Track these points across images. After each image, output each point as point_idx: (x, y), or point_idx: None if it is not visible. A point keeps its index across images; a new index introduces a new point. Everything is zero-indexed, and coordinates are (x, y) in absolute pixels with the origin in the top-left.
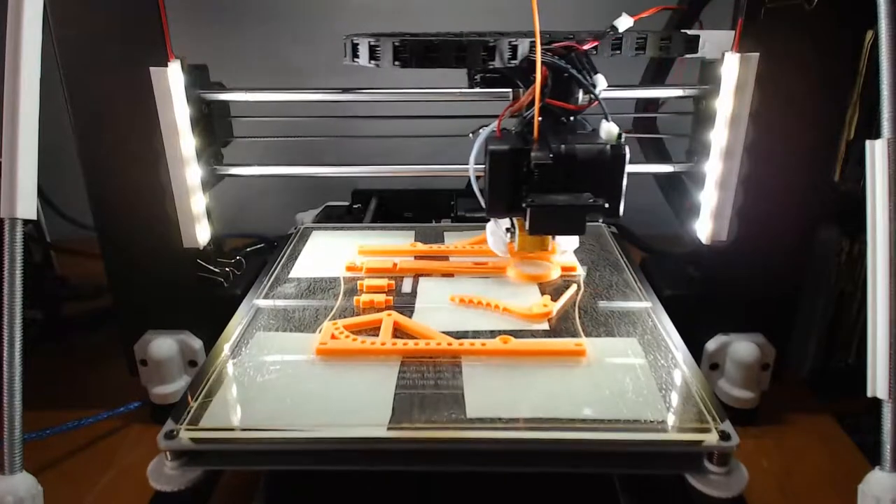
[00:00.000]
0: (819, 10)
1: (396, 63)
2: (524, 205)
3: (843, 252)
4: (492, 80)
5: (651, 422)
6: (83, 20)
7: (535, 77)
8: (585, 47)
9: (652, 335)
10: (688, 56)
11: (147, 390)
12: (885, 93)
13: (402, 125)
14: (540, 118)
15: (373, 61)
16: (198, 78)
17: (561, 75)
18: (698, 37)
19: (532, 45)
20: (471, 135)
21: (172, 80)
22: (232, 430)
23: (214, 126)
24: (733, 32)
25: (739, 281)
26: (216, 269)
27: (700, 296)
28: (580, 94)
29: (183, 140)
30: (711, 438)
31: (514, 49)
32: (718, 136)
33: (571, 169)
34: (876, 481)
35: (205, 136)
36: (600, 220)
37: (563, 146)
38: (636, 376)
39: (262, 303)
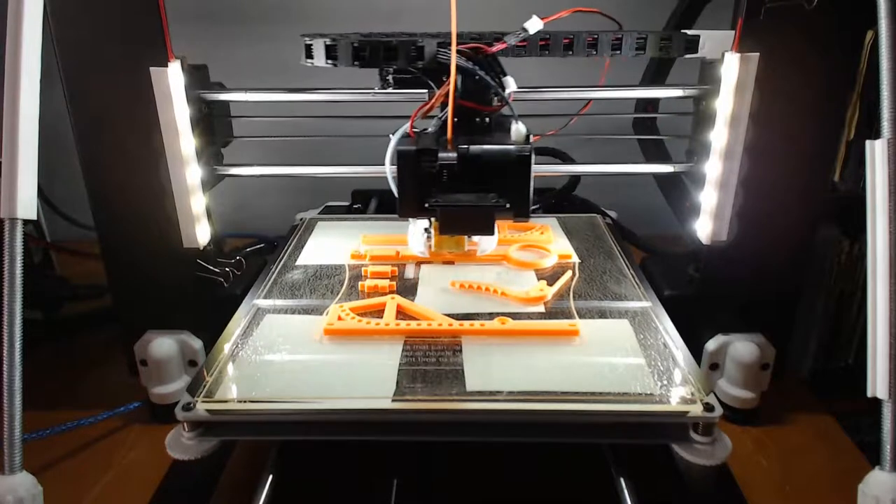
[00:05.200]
0: (819, 10)
1: (308, 61)
2: (427, 205)
3: (843, 252)
4: (404, 81)
5: (639, 394)
6: (83, 20)
7: (445, 78)
8: (493, 49)
9: (642, 317)
10: (688, 56)
11: (147, 390)
12: (885, 93)
13: (403, 125)
14: (456, 119)
15: (308, 60)
16: (198, 78)
17: (472, 77)
18: (698, 37)
19: (439, 46)
20: (390, 135)
21: (172, 80)
22: (245, 401)
23: (214, 126)
24: (733, 32)
25: (739, 281)
26: (216, 269)
27: (700, 296)
28: (494, 96)
29: (183, 140)
30: (696, 410)
31: (420, 50)
32: (718, 137)
33: (478, 170)
34: (876, 481)
35: (205, 136)
36: (511, 219)
37: (469, 147)
38: (626, 353)
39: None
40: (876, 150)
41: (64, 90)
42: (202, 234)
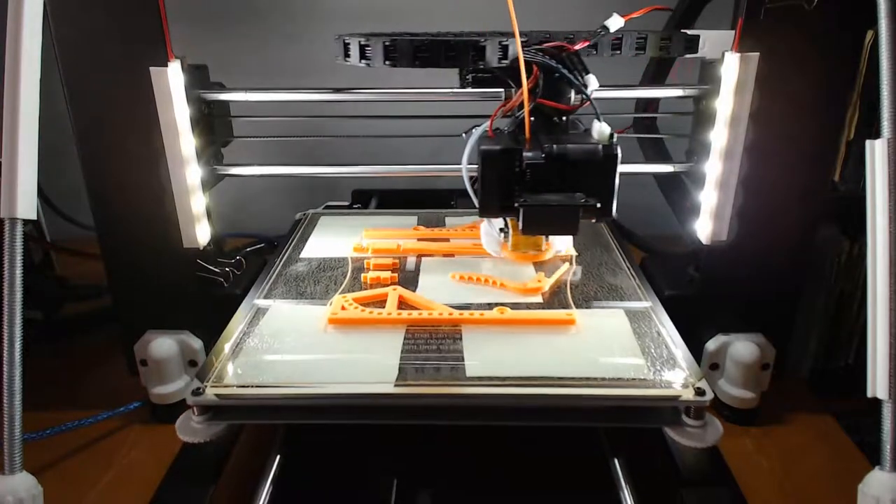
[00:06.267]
0: (819, 10)
1: (387, 63)
2: (517, 205)
3: (843, 252)
4: (483, 80)
5: (633, 379)
6: (83, 20)
7: (529, 77)
8: (576, 47)
9: (642, 315)
10: (688, 56)
11: (147, 390)
12: (885, 93)
13: (403, 125)
14: (532, 118)
15: (363, 61)
16: (198, 78)
17: (552, 75)
18: (698, 37)
19: (523, 45)
20: (463, 134)
21: (172, 80)
22: (253, 387)
23: (214, 126)
24: (733, 32)
25: (739, 281)
26: (216, 269)
27: (700, 296)
28: (572, 94)
29: (183, 140)
30: (687, 394)
31: (504, 49)
32: (718, 136)
33: (563, 169)
34: (876, 481)
35: (205, 136)
36: (593, 220)
37: (554, 146)
38: (621, 340)
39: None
40: (876, 150)
41: (64, 90)
42: (202, 234)
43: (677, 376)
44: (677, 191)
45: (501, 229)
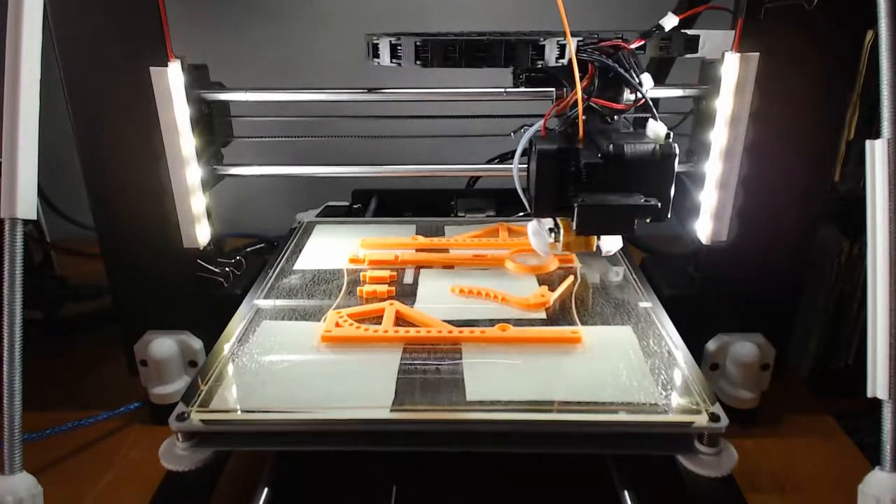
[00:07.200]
0: (819, 10)
1: (447, 63)
2: (575, 204)
3: (843, 252)
4: (536, 80)
5: (643, 404)
6: (83, 20)
7: (583, 77)
8: (632, 46)
9: (646, 323)
10: (688, 56)
11: (147, 390)
12: (885, 93)
13: (402, 125)
14: (584, 117)
15: (418, 62)
16: (198, 78)
17: (607, 75)
18: (698, 37)
19: (579, 45)
20: (512, 134)
21: (172, 79)
22: (240, 412)
23: (214, 126)
24: (733, 32)
25: (739, 281)
26: (216, 269)
27: (700, 296)
28: (625, 94)
29: (183, 140)
30: (701, 420)
31: (562, 48)
32: (718, 136)
33: (620, 169)
34: (876, 481)
35: (205, 136)
36: (648, 220)
37: (611, 146)
38: (629, 362)
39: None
40: (876, 150)
41: (64, 90)
42: (202, 234)
43: (690, 401)
44: (677, 191)
45: (551, 229)
